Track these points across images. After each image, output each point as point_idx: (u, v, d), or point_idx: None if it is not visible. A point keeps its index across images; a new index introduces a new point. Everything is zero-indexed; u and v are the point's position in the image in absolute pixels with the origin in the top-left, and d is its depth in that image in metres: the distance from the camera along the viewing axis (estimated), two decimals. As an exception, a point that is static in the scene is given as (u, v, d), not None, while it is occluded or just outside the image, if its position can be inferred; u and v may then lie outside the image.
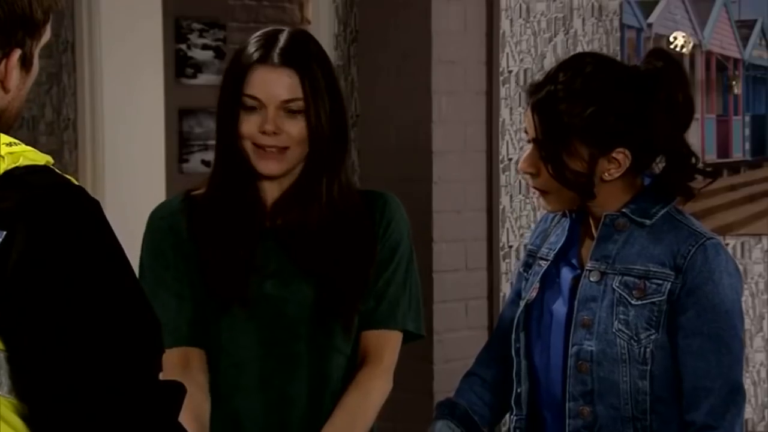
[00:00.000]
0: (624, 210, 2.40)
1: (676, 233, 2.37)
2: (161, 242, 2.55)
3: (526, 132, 2.43)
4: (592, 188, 2.38)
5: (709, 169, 2.44)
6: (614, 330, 2.35)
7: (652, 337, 2.33)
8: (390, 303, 2.54)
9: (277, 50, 2.49)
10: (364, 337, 2.55)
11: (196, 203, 2.57)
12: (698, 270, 2.33)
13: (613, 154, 2.36)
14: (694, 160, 2.40)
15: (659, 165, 2.45)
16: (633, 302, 2.35)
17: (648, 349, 2.33)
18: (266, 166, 2.50)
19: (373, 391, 2.53)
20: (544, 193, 2.41)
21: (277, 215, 2.54)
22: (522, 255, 2.60)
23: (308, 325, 2.51)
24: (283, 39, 2.52)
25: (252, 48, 2.50)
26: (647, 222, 2.38)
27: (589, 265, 2.40)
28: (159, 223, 2.57)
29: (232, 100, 2.49)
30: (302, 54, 2.52)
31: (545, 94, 2.36)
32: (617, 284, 2.36)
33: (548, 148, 2.36)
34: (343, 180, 2.55)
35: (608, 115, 2.34)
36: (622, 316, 2.35)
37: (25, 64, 1.78)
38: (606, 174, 2.37)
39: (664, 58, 2.40)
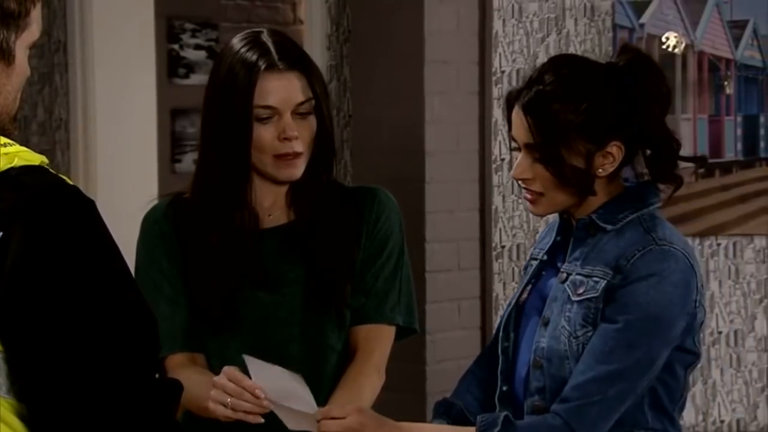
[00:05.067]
0: (592, 215, 2.41)
1: (632, 238, 2.37)
2: (154, 248, 2.56)
3: (513, 140, 2.42)
4: (592, 184, 2.38)
5: (698, 155, 2.46)
6: (560, 327, 2.37)
7: (589, 334, 2.34)
8: (378, 297, 2.54)
9: (276, 55, 2.48)
10: (354, 333, 2.54)
11: (184, 208, 2.56)
12: (637, 270, 2.32)
13: (608, 149, 2.37)
14: (676, 146, 2.42)
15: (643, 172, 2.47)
16: (573, 299, 2.37)
17: (584, 346, 2.34)
18: (289, 173, 2.49)
19: (363, 387, 2.52)
20: (538, 196, 2.41)
21: (280, 215, 2.54)
22: (515, 262, 2.61)
23: (300, 325, 2.51)
24: (272, 42, 2.50)
25: (247, 57, 2.47)
26: (609, 227, 2.39)
27: (563, 267, 2.42)
28: (151, 228, 2.57)
29: (243, 115, 2.45)
30: (299, 53, 2.53)
31: (535, 95, 2.37)
32: (568, 283, 2.39)
33: (546, 149, 2.36)
34: (333, 174, 2.59)
35: (602, 109, 2.36)
36: (567, 314, 2.37)
37: (5, 57, 1.77)
38: (600, 169, 2.38)
39: (637, 52, 2.44)
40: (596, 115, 2.35)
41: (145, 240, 2.57)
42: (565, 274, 2.40)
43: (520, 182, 2.43)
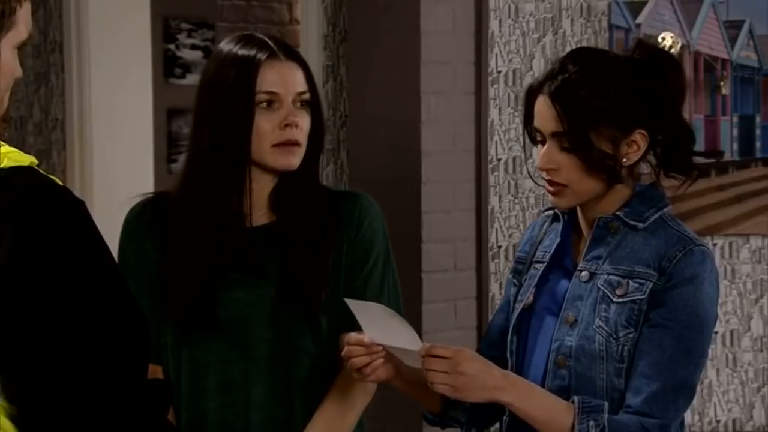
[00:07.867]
0: (618, 213, 2.41)
1: (667, 237, 2.39)
2: (126, 247, 2.56)
3: (536, 132, 2.41)
4: (620, 171, 2.39)
5: (714, 150, 2.48)
6: (594, 327, 2.36)
7: (631, 335, 2.35)
8: None
9: (276, 46, 2.50)
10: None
11: (166, 205, 2.54)
12: (681, 272, 2.35)
13: (633, 137, 2.39)
14: (693, 139, 2.45)
15: (651, 173, 2.47)
16: (614, 300, 2.36)
17: (625, 347, 2.35)
18: (287, 161, 2.48)
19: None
20: (562, 188, 2.41)
21: (262, 215, 2.53)
22: (511, 262, 2.60)
23: (272, 327, 2.50)
24: (268, 37, 2.53)
25: (246, 50, 2.48)
26: (640, 225, 2.40)
27: (580, 265, 2.42)
28: (126, 227, 2.57)
29: (245, 102, 2.45)
30: (294, 49, 2.55)
31: (562, 83, 2.38)
32: (602, 283, 2.38)
33: (575, 135, 2.36)
34: (318, 176, 2.59)
35: (627, 96, 2.37)
36: (603, 314, 2.36)
37: None
38: (626, 158, 2.39)
39: (653, 46, 2.46)
40: (622, 102, 2.37)
41: (121, 237, 2.57)
42: (587, 273, 2.40)
43: (544, 173, 2.42)
